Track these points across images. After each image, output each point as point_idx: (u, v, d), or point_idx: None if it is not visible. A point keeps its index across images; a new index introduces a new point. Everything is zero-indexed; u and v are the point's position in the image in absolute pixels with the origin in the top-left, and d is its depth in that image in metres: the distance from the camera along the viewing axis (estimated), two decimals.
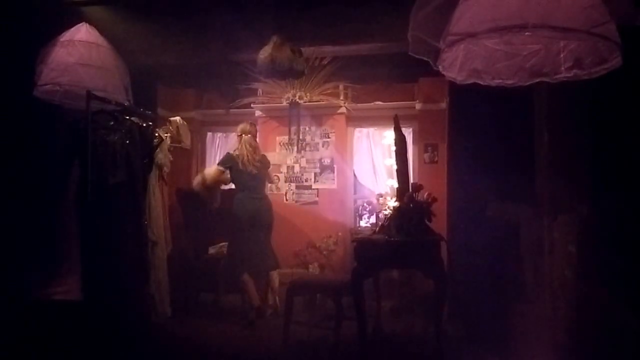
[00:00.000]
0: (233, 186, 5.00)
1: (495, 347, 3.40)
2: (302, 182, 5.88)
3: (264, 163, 4.99)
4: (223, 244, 5.20)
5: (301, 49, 4.54)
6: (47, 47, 3.74)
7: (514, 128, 3.91)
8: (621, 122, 2.98)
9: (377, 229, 3.97)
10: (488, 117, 4.15)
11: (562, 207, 3.31)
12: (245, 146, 4.86)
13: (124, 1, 4.27)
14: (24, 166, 3.96)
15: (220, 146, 6.67)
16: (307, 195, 5.85)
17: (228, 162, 4.85)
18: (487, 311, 3.81)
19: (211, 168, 5.11)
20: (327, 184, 5.83)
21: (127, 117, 4.03)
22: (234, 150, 4.94)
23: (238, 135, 4.97)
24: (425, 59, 2.56)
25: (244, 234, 4.71)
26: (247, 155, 4.83)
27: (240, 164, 4.80)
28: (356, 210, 6.11)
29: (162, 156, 4.56)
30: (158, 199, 4.51)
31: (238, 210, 4.75)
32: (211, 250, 5.35)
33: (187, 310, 4.83)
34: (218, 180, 4.92)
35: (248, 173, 4.80)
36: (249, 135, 4.93)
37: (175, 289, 4.74)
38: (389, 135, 5.69)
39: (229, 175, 4.89)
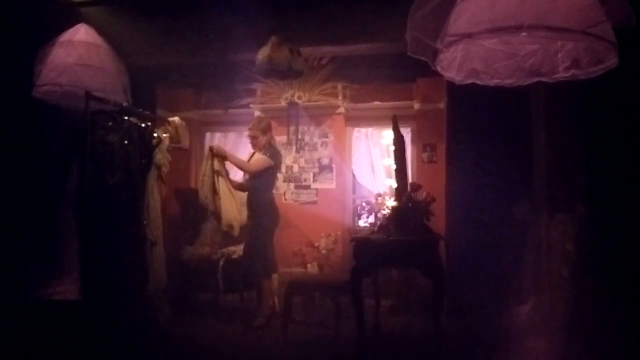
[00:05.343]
0: None
1: (494, 347, 3.41)
2: (301, 181, 5.89)
3: None
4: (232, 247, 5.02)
5: (300, 49, 4.55)
6: (46, 47, 3.76)
7: (511, 127, 3.93)
8: (617, 121, 3.00)
9: (376, 228, 3.98)
10: (486, 116, 4.17)
11: (559, 206, 3.33)
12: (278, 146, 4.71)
13: (123, 2, 4.28)
14: (23, 166, 3.97)
15: None
16: (306, 195, 5.86)
17: (276, 157, 4.52)
18: (485, 310, 3.82)
19: (260, 158, 4.46)
20: (326, 183, 5.83)
21: (126, 118, 4.03)
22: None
23: (266, 133, 4.53)
24: (424, 59, 2.58)
25: (271, 235, 4.61)
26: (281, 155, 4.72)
27: (280, 163, 4.68)
28: (355, 209, 6.12)
29: (161, 156, 4.55)
30: (157, 199, 4.50)
31: (273, 211, 4.59)
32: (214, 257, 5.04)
33: (186, 310, 4.83)
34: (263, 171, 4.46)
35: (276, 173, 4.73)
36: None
37: (174, 289, 4.74)
38: (388, 135, 5.69)
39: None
